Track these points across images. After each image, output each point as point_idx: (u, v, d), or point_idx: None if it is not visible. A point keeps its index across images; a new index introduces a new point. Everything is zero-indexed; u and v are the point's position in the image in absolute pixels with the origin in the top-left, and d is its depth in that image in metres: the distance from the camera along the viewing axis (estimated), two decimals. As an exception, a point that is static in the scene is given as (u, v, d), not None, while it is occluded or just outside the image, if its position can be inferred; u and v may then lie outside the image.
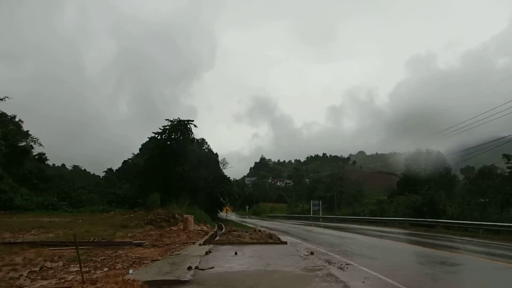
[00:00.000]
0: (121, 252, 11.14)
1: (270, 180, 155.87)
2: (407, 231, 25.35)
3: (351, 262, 10.24)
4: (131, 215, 25.56)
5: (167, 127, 35.42)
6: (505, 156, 25.10)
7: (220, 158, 70.83)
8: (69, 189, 40.75)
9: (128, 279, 6.98)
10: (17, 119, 46.40)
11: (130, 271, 8.00)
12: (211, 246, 13.59)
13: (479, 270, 9.69)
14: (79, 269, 7.07)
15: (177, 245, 13.50)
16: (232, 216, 63.06)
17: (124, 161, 67.02)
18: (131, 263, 9.24)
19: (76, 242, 7.17)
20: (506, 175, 26.85)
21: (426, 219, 28.27)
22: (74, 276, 7.47)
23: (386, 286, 7.22)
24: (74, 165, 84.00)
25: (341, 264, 9.81)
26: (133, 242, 13.29)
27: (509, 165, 24.93)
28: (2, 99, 38.76)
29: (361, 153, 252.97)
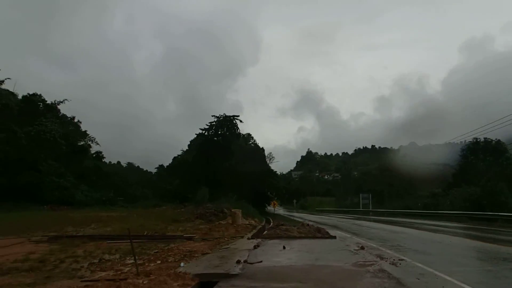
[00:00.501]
0: (173, 245, 11.54)
1: (317, 174, 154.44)
2: (465, 225, 23.96)
3: (404, 258, 9.83)
4: (182, 209, 26.44)
5: (214, 123, 36.15)
6: None
7: (266, 153, 71.12)
8: (125, 185, 42.93)
9: (179, 272, 7.20)
10: (75, 120, 49.52)
11: (182, 264, 8.25)
12: (259, 240, 13.66)
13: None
14: (134, 261, 7.40)
15: (226, 239, 13.75)
16: (280, 210, 63.18)
17: (174, 157, 69.14)
18: (182, 256, 9.53)
19: (130, 236, 7.51)
20: None
21: (486, 212, 26.54)
22: (130, 268, 7.83)
23: (444, 284, 6.84)
24: (129, 162, 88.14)
25: (394, 260, 9.44)
26: (184, 236, 13.72)
27: None
28: (62, 102, 41.56)
29: (413, 144, 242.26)
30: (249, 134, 68.41)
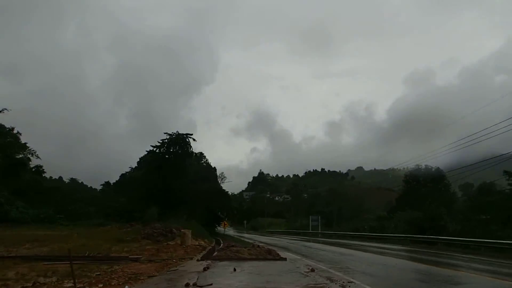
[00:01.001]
0: (117, 267, 10.86)
1: (268, 195, 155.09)
2: (408, 248, 24.99)
3: (353, 280, 9.95)
4: (128, 229, 25.21)
5: (166, 140, 35.35)
6: (506, 172, 24.93)
7: (218, 172, 70.53)
8: (66, 202, 40.37)
9: (123, 296, 6.74)
10: (15, 131, 46.17)
11: (126, 287, 7.74)
12: (209, 262, 13.28)
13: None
14: (73, 285, 6.82)
15: (174, 260, 13.21)
16: (230, 231, 62.47)
17: (122, 174, 66.56)
18: (127, 279, 8.97)
19: (70, 257, 6.94)
20: (507, 192, 26.66)
21: (427, 235, 27.93)
22: (68, 292, 7.21)
23: (391, 306, 6.95)
24: (72, 178, 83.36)
25: (343, 282, 9.52)
26: (130, 257, 13.00)
27: (510, 181, 24.76)
28: (1, 111, 38.71)
29: (360, 168, 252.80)
30: (201, 153, 67.70)
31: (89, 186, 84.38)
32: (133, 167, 63.31)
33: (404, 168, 65.70)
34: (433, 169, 55.47)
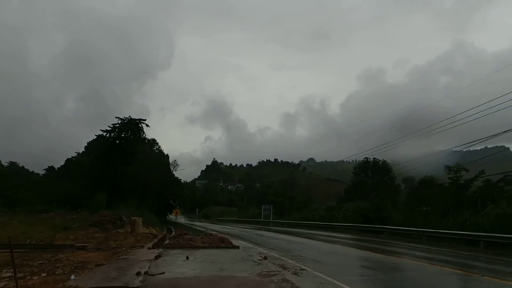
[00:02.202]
0: (61, 255, 10.27)
1: (221, 184, 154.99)
2: (356, 237, 26.04)
3: (305, 267, 10.16)
4: (74, 216, 24.01)
5: (117, 125, 33.87)
6: (447, 167, 26.68)
7: (171, 160, 69.04)
8: (4, 187, 37.62)
9: (69, 286, 6.35)
10: None
11: (72, 276, 7.31)
12: (161, 250, 12.99)
13: (426, 275, 10.00)
14: (13, 274, 6.31)
15: (124, 248, 12.74)
16: (182, 219, 61.81)
17: (68, 159, 63.12)
18: (73, 268, 8.48)
19: (11, 244, 6.40)
20: (447, 185, 28.59)
21: (374, 225, 29.25)
22: (7, 282, 6.67)
23: (342, 292, 7.15)
24: (11, 161, 77.83)
25: (296, 269, 9.70)
26: (76, 245, 12.36)
27: (450, 175, 26.56)
28: None
29: (311, 160, 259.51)
30: (154, 140, 65.97)
31: (30, 170, 79.34)
32: (80, 152, 60.37)
33: (353, 161, 68.38)
34: (380, 163, 58.17)
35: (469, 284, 8.95)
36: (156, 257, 10.72)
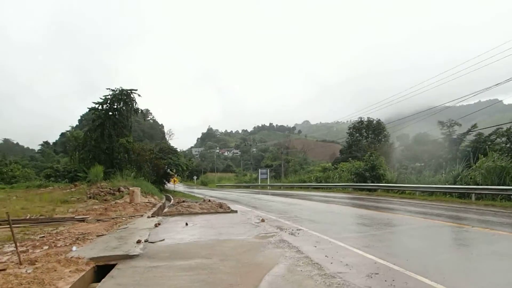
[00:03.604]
0: (62, 228, 10.44)
1: (217, 151, 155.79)
2: (351, 195, 26.61)
3: (302, 228, 10.46)
4: (72, 189, 24.20)
5: (109, 96, 33.37)
6: (440, 123, 26.84)
7: (166, 129, 69.00)
8: (0, 163, 37.60)
9: (71, 257, 6.51)
10: None
11: (74, 248, 7.48)
12: (160, 218, 13.24)
13: (418, 228, 10.35)
14: (15, 249, 6.45)
15: (123, 218, 12.95)
16: (180, 187, 62.51)
17: (62, 133, 62.90)
18: (74, 239, 8.66)
19: (9, 220, 6.49)
20: (440, 141, 28.92)
21: (368, 183, 29.82)
22: (10, 257, 6.81)
23: (337, 249, 7.41)
24: (5, 139, 77.39)
25: (292, 230, 9.98)
26: (76, 217, 12.54)
27: (443, 131, 26.79)
28: None
29: (306, 122, 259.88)
30: (147, 110, 65.57)
31: (25, 146, 79.16)
32: (74, 125, 59.99)
33: (347, 121, 68.45)
34: (374, 122, 58.34)
35: (459, 235, 9.28)
36: (156, 225, 10.94)
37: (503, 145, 23.72)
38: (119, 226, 11.09)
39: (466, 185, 20.84)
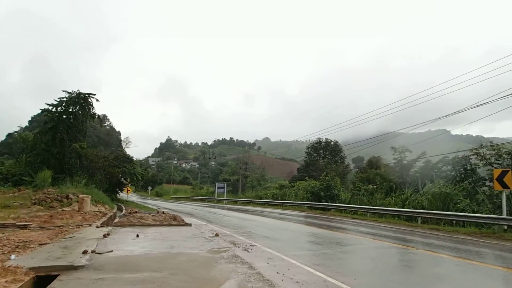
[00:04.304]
0: (1, 235, 9.77)
1: (175, 162, 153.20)
2: (306, 214, 27.01)
3: (255, 244, 10.47)
4: (16, 194, 22.74)
5: (64, 99, 32.06)
6: (393, 148, 28.17)
7: (123, 137, 67.02)
8: None
9: (9, 266, 6.09)
10: None
11: (12, 256, 7.01)
12: (110, 228, 12.74)
13: (367, 249, 10.69)
14: None
15: (70, 227, 12.33)
16: (133, 197, 60.65)
17: (9, 133, 59.26)
18: (13, 247, 8.12)
19: None
20: (391, 165, 30.27)
21: (323, 203, 30.46)
22: None
23: (289, 266, 7.48)
24: None
25: (246, 246, 9.96)
26: (17, 224, 11.78)
27: (394, 156, 28.13)
28: None
29: (266, 139, 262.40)
30: (105, 116, 63.51)
31: (-34, 145, 73.56)
32: (24, 126, 56.76)
33: (307, 141, 69.98)
34: (332, 143, 60.14)
35: (405, 256, 9.68)
36: (105, 236, 10.52)
37: (448, 173, 25.19)
38: (64, 235, 10.54)
39: (413, 209, 21.85)
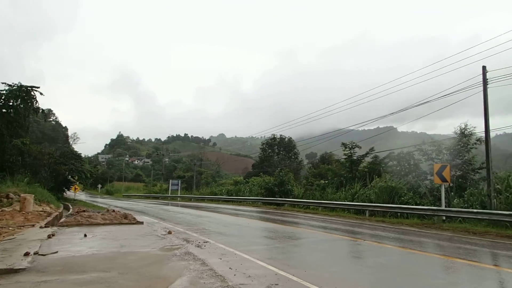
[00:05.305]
0: None
1: (127, 159, 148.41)
2: (260, 209, 27.31)
3: (209, 240, 10.45)
4: None
5: (4, 91, 29.88)
6: (343, 144, 29.14)
7: (70, 133, 63.84)
8: None
9: None
10: None
11: None
12: (55, 228, 12.15)
13: (318, 241, 11.02)
14: None
15: (11, 228, 11.59)
16: (82, 196, 58.11)
17: None
18: None
19: None
20: (342, 161, 31.32)
21: (277, 198, 30.94)
22: None
23: (242, 261, 7.54)
24: None
25: (199, 242, 9.92)
26: (-51, 226, 10.88)
27: (345, 152, 29.14)
28: None
29: (222, 135, 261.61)
30: (50, 110, 60.09)
31: None
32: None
33: (262, 137, 70.58)
34: (286, 139, 61.13)
35: (353, 248, 10.11)
36: (49, 236, 10.01)
37: (394, 167, 26.52)
38: (4, 236, 9.90)
39: (362, 202, 22.83)
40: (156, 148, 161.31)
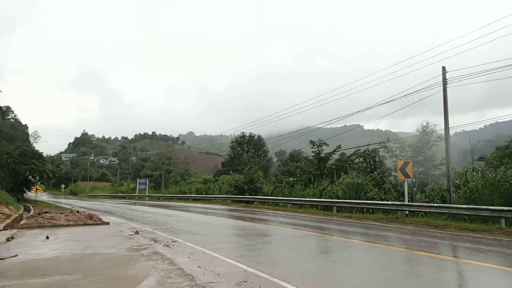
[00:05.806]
0: None
1: (92, 158, 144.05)
2: (230, 207, 27.27)
3: (177, 239, 10.34)
4: None
5: (-44, 87, 28.26)
6: (311, 142, 29.55)
7: (31, 131, 61.05)
8: None
9: None
10: None
11: None
12: (15, 231, 11.64)
13: (287, 238, 11.15)
14: None
15: (-34, 232, 10.99)
16: (44, 197, 55.90)
17: None
18: None
19: None
20: (310, 158, 31.77)
21: (246, 196, 31.01)
22: None
23: (211, 259, 7.52)
24: None
25: (167, 242, 9.79)
26: None
27: (313, 150, 29.56)
28: None
29: (191, 133, 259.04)
30: (8, 107, 57.34)
31: None
32: None
33: (231, 135, 70.51)
34: (256, 137, 61.34)
35: (321, 243, 10.30)
36: (8, 239, 9.59)
37: (361, 164, 27.19)
38: (-42, 241, 9.38)
39: (329, 198, 23.29)
40: (123, 146, 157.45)
